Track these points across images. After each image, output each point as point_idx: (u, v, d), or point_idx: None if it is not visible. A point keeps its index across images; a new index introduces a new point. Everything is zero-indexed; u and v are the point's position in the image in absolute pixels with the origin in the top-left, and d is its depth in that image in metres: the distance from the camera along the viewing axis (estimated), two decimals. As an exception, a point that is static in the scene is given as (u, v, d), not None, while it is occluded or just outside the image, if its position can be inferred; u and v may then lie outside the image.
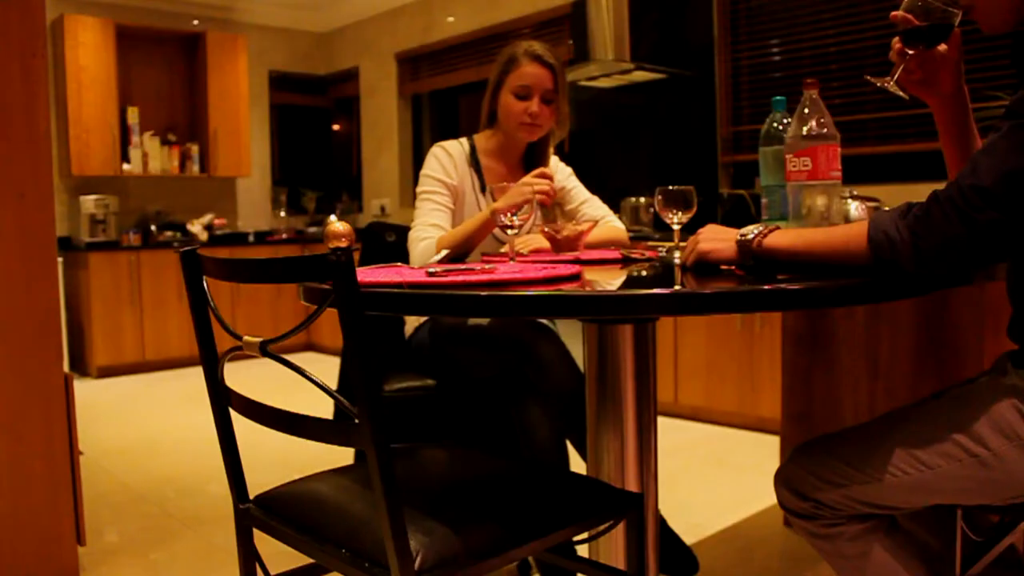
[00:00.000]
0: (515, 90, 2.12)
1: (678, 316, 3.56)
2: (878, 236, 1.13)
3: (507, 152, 2.23)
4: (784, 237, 1.25)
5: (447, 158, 2.17)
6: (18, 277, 2.09)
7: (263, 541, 1.25)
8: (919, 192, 1.34)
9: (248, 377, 2.94)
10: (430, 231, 2.07)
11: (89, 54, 5.58)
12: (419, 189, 2.16)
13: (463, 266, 1.44)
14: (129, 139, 5.88)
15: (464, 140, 2.24)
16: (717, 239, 1.31)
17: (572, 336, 1.95)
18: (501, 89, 2.15)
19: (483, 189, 2.19)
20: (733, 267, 1.31)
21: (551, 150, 2.27)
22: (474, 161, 2.20)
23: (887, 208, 1.23)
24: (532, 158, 2.26)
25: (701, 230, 1.36)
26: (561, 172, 2.31)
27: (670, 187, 1.58)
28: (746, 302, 1.13)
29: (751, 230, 1.27)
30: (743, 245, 1.27)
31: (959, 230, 1.08)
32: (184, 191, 6.33)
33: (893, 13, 1.38)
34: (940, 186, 1.14)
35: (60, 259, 4.53)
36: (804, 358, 2.38)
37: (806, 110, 1.55)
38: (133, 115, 5.90)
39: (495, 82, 2.17)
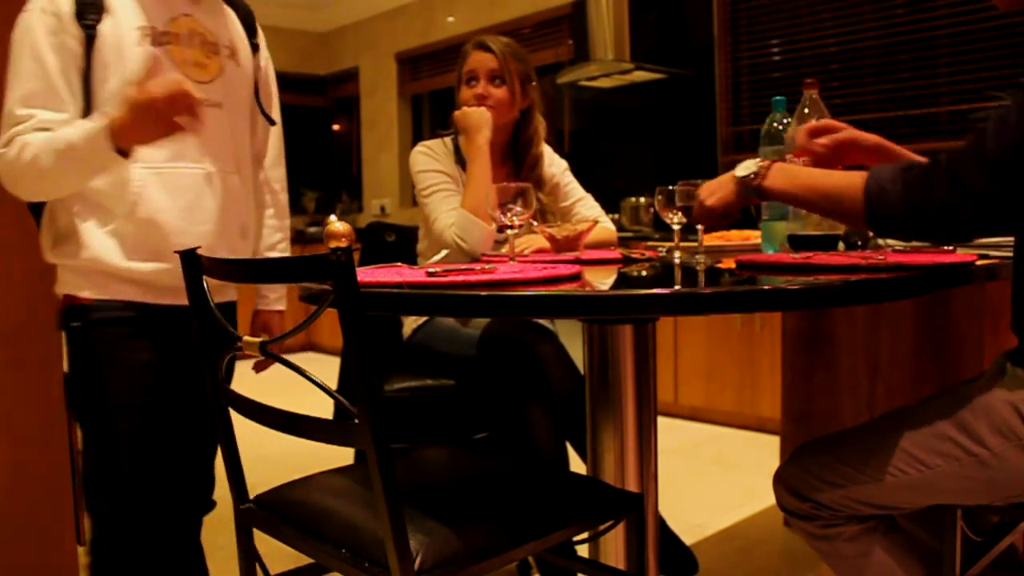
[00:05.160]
0: (465, 80, 2.15)
1: (678, 316, 3.56)
2: (873, 187, 1.13)
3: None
4: (784, 179, 1.23)
5: (434, 154, 2.16)
6: (18, 277, 2.09)
7: (263, 541, 1.25)
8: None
9: (248, 377, 2.92)
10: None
11: (89, 54, 5.57)
12: (422, 186, 2.11)
13: (463, 266, 1.44)
14: (129, 139, 5.87)
15: (447, 139, 2.22)
16: (714, 188, 1.31)
17: (572, 336, 1.95)
18: (459, 86, 2.17)
19: None
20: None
21: (540, 144, 2.23)
22: (459, 159, 2.19)
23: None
24: (517, 154, 2.22)
25: (698, 191, 1.36)
26: (557, 165, 2.29)
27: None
28: (746, 302, 1.13)
29: (747, 168, 1.26)
30: (744, 184, 1.25)
31: (950, 194, 1.08)
32: (184, 191, 6.32)
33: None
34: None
35: (60, 259, 4.52)
36: (804, 358, 2.38)
37: (806, 110, 1.55)
38: (133, 115, 5.89)
39: (456, 83, 2.19)
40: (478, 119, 2.06)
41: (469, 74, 2.14)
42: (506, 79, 2.12)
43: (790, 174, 1.24)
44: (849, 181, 1.17)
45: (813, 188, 1.21)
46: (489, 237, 1.97)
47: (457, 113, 2.11)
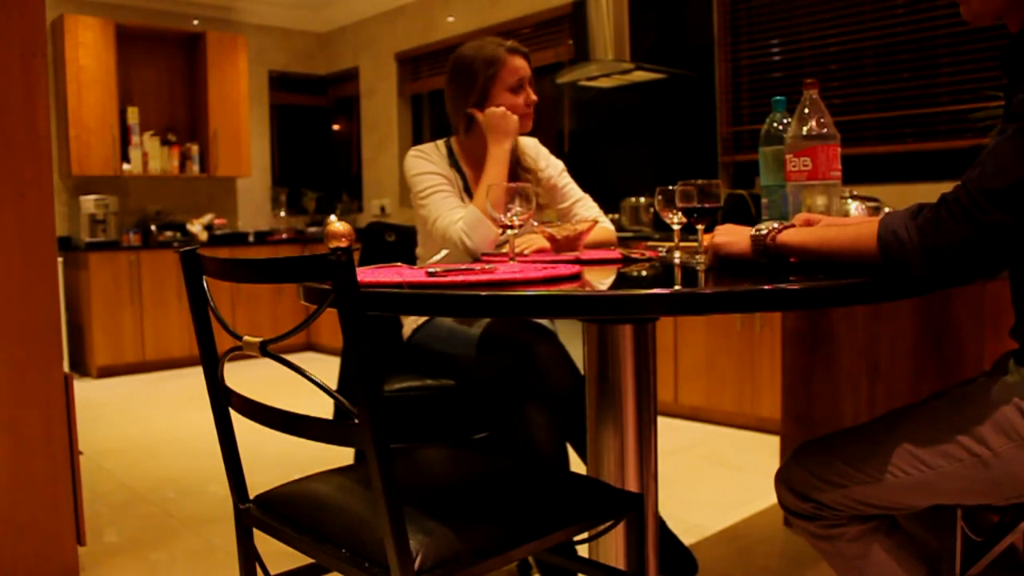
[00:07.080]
0: (511, 86, 2.12)
1: (678, 316, 3.56)
2: (888, 236, 1.14)
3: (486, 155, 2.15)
4: (797, 234, 1.26)
5: (428, 157, 2.16)
6: (18, 277, 2.09)
7: (263, 541, 1.25)
8: (918, 192, 1.34)
9: (248, 377, 2.93)
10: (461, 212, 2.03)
11: (89, 54, 5.58)
12: (420, 188, 2.10)
13: (463, 266, 1.44)
14: (129, 139, 5.88)
15: (440, 143, 2.21)
16: (732, 233, 1.34)
17: (572, 336, 1.95)
18: (493, 90, 2.11)
19: (467, 190, 2.17)
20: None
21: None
22: (454, 163, 2.18)
23: (888, 209, 1.23)
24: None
25: (718, 228, 1.38)
26: (553, 167, 2.30)
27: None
28: (746, 302, 1.13)
29: (765, 227, 1.28)
30: (757, 240, 1.28)
31: (967, 232, 1.08)
32: (184, 191, 6.33)
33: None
34: (940, 186, 1.14)
35: (60, 259, 4.54)
36: (804, 358, 2.38)
37: (806, 110, 1.55)
38: (133, 115, 5.90)
39: (482, 87, 2.10)
40: (514, 125, 2.10)
41: (519, 82, 2.13)
42: (533, 83, 2.17)
43: (803, 231, 1.27)
44: (862, 231, 1.18)
45: (827, 241, 1.23)
46: (493, 240, 1.98)
47: (499, 111, 2.08)
